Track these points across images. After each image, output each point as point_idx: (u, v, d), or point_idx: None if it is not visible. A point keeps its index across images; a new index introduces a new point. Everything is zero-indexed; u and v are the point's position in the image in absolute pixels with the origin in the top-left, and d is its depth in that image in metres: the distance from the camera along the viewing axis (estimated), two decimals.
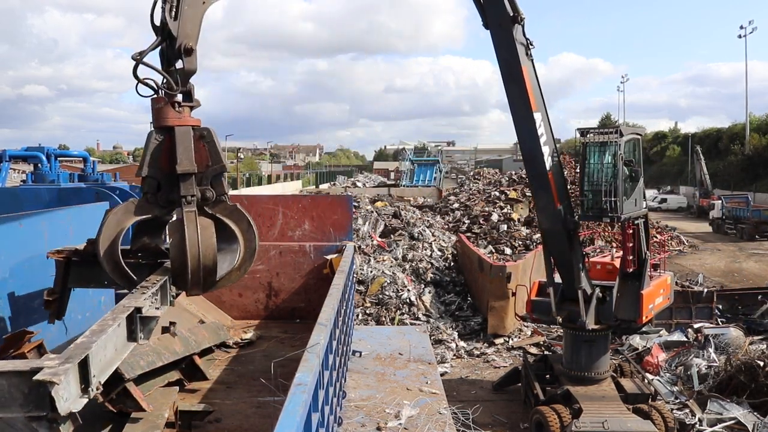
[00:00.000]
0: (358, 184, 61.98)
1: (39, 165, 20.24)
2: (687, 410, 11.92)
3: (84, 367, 3.23)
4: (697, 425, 11.45)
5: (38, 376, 2.89)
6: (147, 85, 4.85)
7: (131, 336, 4.10)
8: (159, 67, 4.89)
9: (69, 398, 3.04)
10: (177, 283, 5.02)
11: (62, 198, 9.54)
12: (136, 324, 4.12)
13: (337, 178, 76.74)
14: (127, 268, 4.97)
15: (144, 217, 5.00)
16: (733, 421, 11.40)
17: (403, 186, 50.82)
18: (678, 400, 12.40)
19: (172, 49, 4.82)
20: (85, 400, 3.25)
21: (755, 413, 11.51)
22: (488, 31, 10.43)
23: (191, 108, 5.01)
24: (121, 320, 3.94)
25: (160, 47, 4.87)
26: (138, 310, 4.13)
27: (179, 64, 4.93)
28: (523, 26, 10.31)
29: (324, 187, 64.56)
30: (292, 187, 61.20)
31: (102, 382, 3.50)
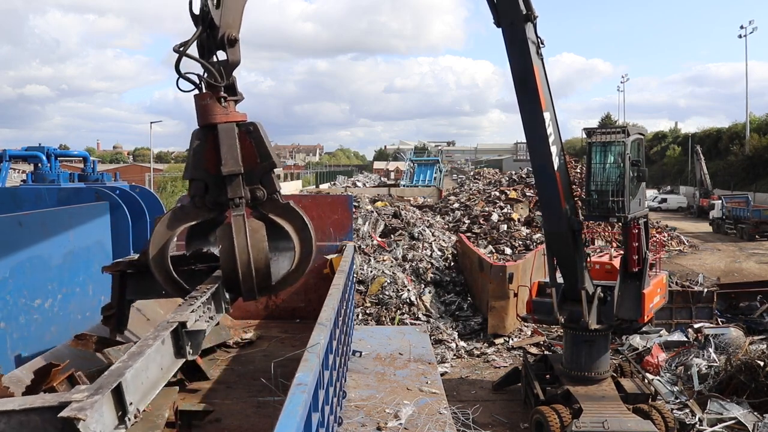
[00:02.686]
0: (358, 183, 62.09)
1: (39, 165, 20.22)
2: (687, 410, 11.90)
3: (119, 394, 3.03)
4: (697, 425, 11.44)
5: (63, 413, 2.69)
6: (189, 80, 4.59)
7: (179, 352, 3.91)
8: (196, 59, 4.58)
9: (103, 430, 2.86)
10: (230, 290, 4.79)
11: (62, 198, 9.51)
12: (183, 339, 3.93)
13: (337, 178, 76.72)
14: (177, 277, 4.77)
15: (193, 222, 4.79)
16: (733, 421, 11.38)
17: (403, 186, 50.80)
18: (678, 400, 12.38)
19: (214, 39, 4.55)
20: (123, 431, 3.05)
21: (755, 413, 11.49)
22: (499, 29, 10.22)
23: (236, 102, 4.77)
24: (165, 337, 3.74)
25: (198, 38, 4.56)
26: (183, 324, 3.92)
27: (221, 56, 4.66)
28: (535, 25, 10.14)
29: (324, 186, 64.49)
30: (292, 187, 61.09)
31: (141, 409, 3.24)
